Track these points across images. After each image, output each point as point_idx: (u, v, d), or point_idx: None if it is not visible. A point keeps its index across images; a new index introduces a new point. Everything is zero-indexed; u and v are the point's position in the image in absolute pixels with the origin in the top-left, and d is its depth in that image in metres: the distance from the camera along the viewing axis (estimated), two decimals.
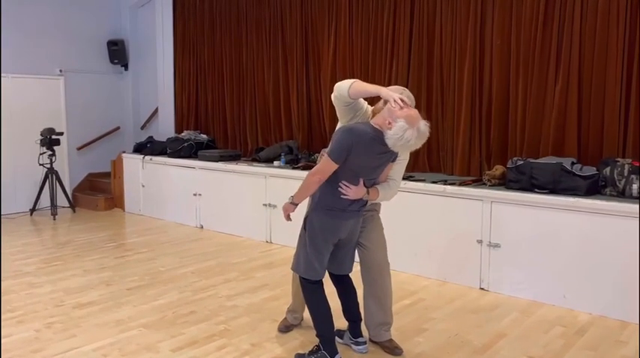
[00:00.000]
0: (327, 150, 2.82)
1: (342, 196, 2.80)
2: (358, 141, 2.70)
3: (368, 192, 2.87)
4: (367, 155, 2.76)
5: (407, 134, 2.62)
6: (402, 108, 2.65)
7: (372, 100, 3.03)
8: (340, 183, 2.79)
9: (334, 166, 2.73)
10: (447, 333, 3.46)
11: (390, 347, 3.19)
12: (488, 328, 3.54)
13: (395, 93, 2.73)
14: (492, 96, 4.84)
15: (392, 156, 2.87)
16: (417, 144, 2.68)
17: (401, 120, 2.62)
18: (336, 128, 2.97)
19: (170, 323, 3.60)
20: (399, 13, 5.37)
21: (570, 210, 3.83)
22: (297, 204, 2.91)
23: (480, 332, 3.48)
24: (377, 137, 2.71)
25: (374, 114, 2.92)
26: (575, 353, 3.18)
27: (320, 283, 2.95)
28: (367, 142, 2.72)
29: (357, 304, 3.17)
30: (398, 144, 2.66)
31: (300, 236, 2.99)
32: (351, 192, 2.80)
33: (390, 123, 2.65)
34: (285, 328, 3.49)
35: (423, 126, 2.67)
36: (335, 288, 3.15)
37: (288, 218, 2.97)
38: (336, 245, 2.95)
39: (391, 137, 2.65)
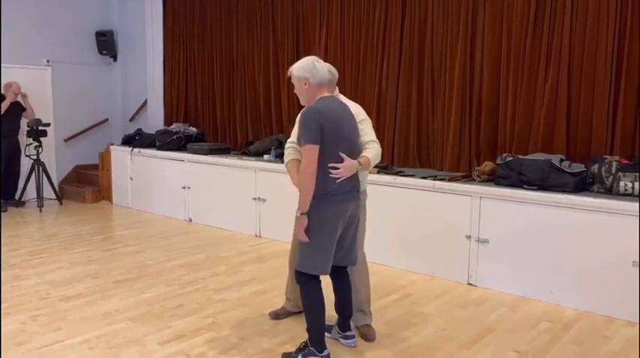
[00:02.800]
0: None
1: (336, 179, 2.80)
2: (323, 110, 2.79)
3: (360, 163, 2.91)
4: (339, 119, 2.84)
5: (308, 61, 2.90)
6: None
7: (349, 90, 3.04)
8: (329, 168, 2.80)
9: (316, 149, 2.74)
10: (434, 328, 3.47)
11: (364, 332, 3.29)
12: (476, 323, 3.56)
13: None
14: (483, 92, 4.85)
15: (355, 119, 3.00)
16: (324, 66, 2.94)
17: (301, 71, 2.90)
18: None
19: (157, 317, 3.58)
20: (391, 9, 5.36)
21: (558, 206, 3.86)
22: (307, 213, 2.80)
23: (467, 326, 3.49)
24: (329, 99, 2.89)
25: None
26: (561, 348, 3.21)
27: (319, 278, 2.91)
28: (330, 107, 2.84)
29: (351, 299, 3.17)
30: (321, 68, 2.89)
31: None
32: (343, 170, 2.82)
33: (305, 83, 2.88)
34: (275, 316, 3.53)
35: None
36: (331, 281, 3.11)
37: (305, 238, 2.83)
38: (341, 233, 2.91)
39: (314, 73, 2.85)
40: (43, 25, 7.62)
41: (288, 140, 3.27)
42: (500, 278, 4.13)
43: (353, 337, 3.18)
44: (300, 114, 2.91)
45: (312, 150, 2.74)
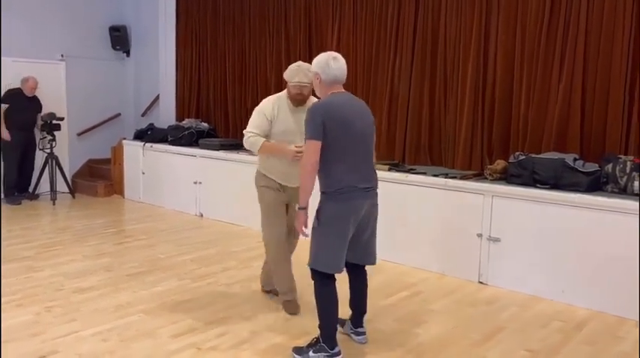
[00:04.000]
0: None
1: (343, 175, 2.80)
2: (329, 106, 2.81)
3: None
4: (348, 115, 2.83)
5: (323, 57, 2.91)
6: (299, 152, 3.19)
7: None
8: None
9: (317, 145, 2.76)
10: (445, 326, 3.47)
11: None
12: (487, 321, 3.55)
13: (290, 150, 3.31)
14: (496, 90, 4.83)
15: (371, 116, 3.00)
16: (341, 65, 2.91)
17: (315, 66, 2.92)
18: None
19: (169, 310, 3.61)
20: (404, 6, 5.34)
21: (571, 205, 3.83)
22: (307, 208, 2.88)
23: (478, 325, 3.49)
24: (341, 96, 2.89)
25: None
26: (573, 348, 3.19)
27: (334, 277, 2.91)
28: (339, 103, 2.85)
29: (366, 296, 3.17)
30: (335, 63, 2.88)
31: (313, 229, 2.90)
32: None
33: (317, 79, 2.91)
34: (294, 309, 3.61)
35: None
36: (348, 277, 3.12)
37: (304, 232, 2.94)
38: (356, 232, 2.91)
39: (325, 68, 2.86)
40: (57, 19, 7.68)
41: (249, 129, 3.44)
42: (512, 277, 4.12)
43: (364, 333, 3.19)
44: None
45: (314, 146, 2.76)
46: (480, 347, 3.17)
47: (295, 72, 3.39)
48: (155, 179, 7.09)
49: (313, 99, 3.51)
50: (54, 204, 6.97)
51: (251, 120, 3.52)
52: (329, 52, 2.97)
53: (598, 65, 4.26)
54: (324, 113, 2.77)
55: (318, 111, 2.79)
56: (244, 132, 3.53)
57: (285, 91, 3.54)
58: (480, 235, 4.25)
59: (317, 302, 2.95)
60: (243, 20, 6.90)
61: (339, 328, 3.19)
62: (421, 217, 4.58)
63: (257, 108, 3.54)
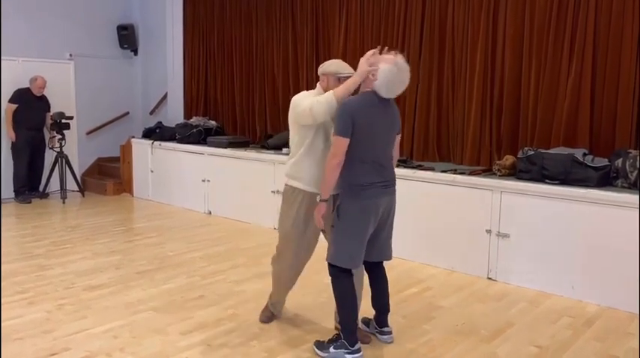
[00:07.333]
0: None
1: (366, 172, 2.80)
2: (358, 106, 2.79)
3: None
4: (374, 117, 2.81)
5: (389, 73, 2.77)
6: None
7: None
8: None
9: (345, 142, 2.75)
10: (454, 322, 3.46)
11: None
12: (496, 317, 3.54)
13: (363, 65, 2.85)
14: (504, 85, 4.81)
15: (396, 117, 2.96)
16: (404, 77, 2.82)
17: (379, 66, 2.77)
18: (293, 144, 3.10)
19: (179, 307, 3.63)
20: None
21: (581, 201, 3.81)
22: (327, 201, 2.86)
23: (487, 321, 3.48)
24: (372, 97, 2.82)
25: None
26: (583, 344, 3.18)
27: (351, 272, 2.92)
28: (367, 104, 2.81)
29: (388, 294, 3.16)
30: (390, 87, 2.79)
31: (332, 225, 2.91)
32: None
33: (373, 75, 2.78)
34: (267, 318, 3.43)
35: (400, 59, 2.82)
36: (368, 276, 3.12)
37: (322, 224, 2.91)
38: (375, 229, 2.92)
39: (381, 84, 2.77)
40: (65, 19, 7.72)
41: (308, 102, 2.90)
42: (521, 273, 4.11)
43: (390, 333, 3.17)
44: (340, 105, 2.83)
45: (341, 142, 2.76)
46: (489, 343, 3.17)
47: (341, 64, 3.04)
48: (164, 177, 7.13)
49: None
50: (64, 202, 7.03)
51: (300, 101, 2.97)
52: (392, 63, 2.79)
53: (607, 58, 4.23)
54: (354, 111, 2.76)
55: (348, 109, 2.77)
56: (305, 108, 2.88)
57: (317, 89, 3.07)
58: (488, 231, 4.24)
59: (335, 298, 2.94)
60: (249, 17, 6.91)
61: (364, 327, 3.21)
62: (430, 213, 4.57)
63: (300, 95, 3.04)
